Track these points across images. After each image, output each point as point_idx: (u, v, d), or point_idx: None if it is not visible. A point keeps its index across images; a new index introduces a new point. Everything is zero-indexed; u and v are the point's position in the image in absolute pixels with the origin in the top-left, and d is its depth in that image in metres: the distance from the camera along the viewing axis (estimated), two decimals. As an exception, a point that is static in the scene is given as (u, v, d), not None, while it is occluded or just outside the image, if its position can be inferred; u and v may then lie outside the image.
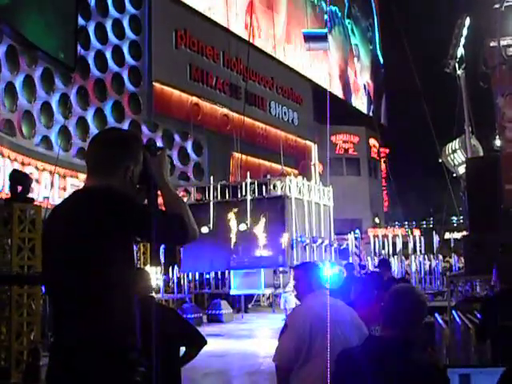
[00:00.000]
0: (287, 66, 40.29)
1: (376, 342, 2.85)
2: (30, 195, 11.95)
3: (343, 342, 3.64)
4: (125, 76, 28.51)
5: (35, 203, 12.21)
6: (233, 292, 22.46)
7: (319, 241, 24.46)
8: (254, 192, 23.12)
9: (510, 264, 6.22)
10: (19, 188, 11.41)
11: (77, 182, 23.91)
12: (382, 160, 52.72)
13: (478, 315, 7.09)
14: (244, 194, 23.16)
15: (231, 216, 23.08)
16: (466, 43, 13.73)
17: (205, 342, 4.56)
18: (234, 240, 22.84)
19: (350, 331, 3.97)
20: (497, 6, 10.51)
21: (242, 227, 22.57)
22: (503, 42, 10.18)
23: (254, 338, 16.26)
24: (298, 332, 4.06)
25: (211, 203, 23.51)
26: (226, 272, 22.94)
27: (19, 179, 11.71)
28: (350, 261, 24.69)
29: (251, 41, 33.50)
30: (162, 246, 22.50)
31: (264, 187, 23.25)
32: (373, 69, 53.12)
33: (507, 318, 5.65)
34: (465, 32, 13.76)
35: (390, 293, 2.93)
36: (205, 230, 22.83)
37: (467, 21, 13.36)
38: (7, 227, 11.18)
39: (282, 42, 39.73)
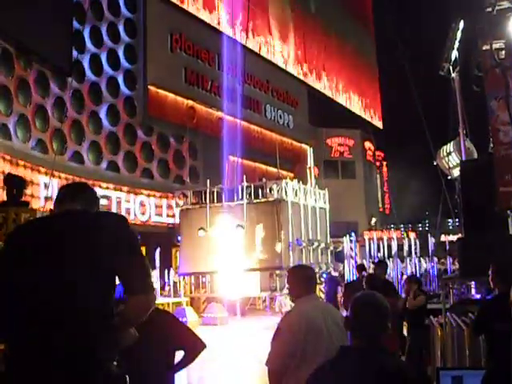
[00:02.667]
0: (283, 68, 40.36)
1: (346, 352, 2.88)
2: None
3: (337, 346, 3.64)
4: (120, 80, 28.52)
5: (30, 207, 12.23)
6: (229, 295, 22.45)
7: (315, 244, 24.47)
8: (250, 195, 23.13)
9: (506, 264, 6.22)
10: (14, 192, 11.43)
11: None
12: (384, 163, 52.85)
13: (473, 318, 7.10)
14: (240, 197, 23.17)
15: (227, 220, 23.07)
16: (460, 46, 13.78)
17: (204, 346, 4.52)
18: (230, 243, 22.82)
19: (342, 336, 3.96)
20: (489, 9, 10.56)
21: (239, 231, 22.57)
22: (495, 46, 10.20)
23: (250, 342, 16.25)
24: (290, 336, 4.06)
25: (207, 207, 23.52)
26: (222, 275, 22.92)
27: (14, 183, 11.73)
28: (345, 264, 24.77)
29: (246, 44, 33.61)
30: (158, 251, 22.58)
31: (260, 191, 23.26)
32: (368, 73, 53.20)
33: (503, 321, 5.66)
34: (459, 35, 13.82)
35: (353, 302, 2.95)
36: (201, 233, 22.85)
37: (461, 24, 13.42)
38: (1, 231, 11.18)
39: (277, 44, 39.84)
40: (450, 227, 46.53)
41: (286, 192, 23.15)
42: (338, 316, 4.32)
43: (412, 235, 37.70)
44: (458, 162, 15.18)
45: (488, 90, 10.38)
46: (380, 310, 2.85)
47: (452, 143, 16.86)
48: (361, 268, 14.34)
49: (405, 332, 9.78)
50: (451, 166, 17.17)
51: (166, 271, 22.62)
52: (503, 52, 10.33)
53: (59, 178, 23.27)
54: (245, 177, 23.69)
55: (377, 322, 2.81)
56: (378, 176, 52.87)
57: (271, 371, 4.12)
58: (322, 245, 25.14)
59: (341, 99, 47.92)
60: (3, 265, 2.77)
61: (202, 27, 32.63)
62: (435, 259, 25.77)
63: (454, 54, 14.15)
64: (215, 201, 23.63)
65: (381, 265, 11.03)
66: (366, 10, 53.84)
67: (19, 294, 2.65)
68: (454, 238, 30.07)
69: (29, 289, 2.64)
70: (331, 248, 26.67)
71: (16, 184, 11.65)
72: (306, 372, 3.05)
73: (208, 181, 24.21)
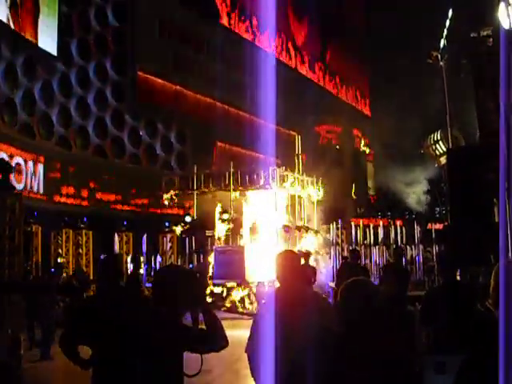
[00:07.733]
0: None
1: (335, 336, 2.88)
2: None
3: (312, 330, 3.61)
4: (108, 65, 28.29)
5: (15, 191, 12.15)
6: (215, 281, 22.42)
7: (304, 230, 24.49)
8: (238, 182, 23.06)
9: (448, 255, 6.25)
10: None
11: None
12: (372, 151, 52.87)
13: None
14: (228, 183, 23.09)
15: (215, 205, 23.03)
16: (449, 35, 13.80)
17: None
18: (217, 229, 22.78)
19: (314, 326, 3.91)
20: (478, -3, 10.63)
21: (226, 217, 22.53)
22: (484, 33, 10.23)
23: (236, 328, 16.29)
24: (260, 323, 4.09)
25: (195, 193, 23.45)
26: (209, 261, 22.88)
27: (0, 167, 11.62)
28: (332, 251, 24.82)
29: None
30: (145, 236, 22.56)
31: (248, 177, 23.19)
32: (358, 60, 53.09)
33: (446, 312, 5.76)
34: (447, 24, 13.84)
35: (342, 289, 2.95)
36: (188, 219, 22.80)
37: (450, 13, 13.44)
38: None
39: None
40: (437, 215, 46.64)
41: (274, 178, 23.09)
42: (318, 305, 4.27)
43: (398, 223, 37.74)
44: (445, 150, 15.25)
45: (475, 78, 10.42)
46: (361, 296, 2.84)
47: (439, 131, 16.94)
48: (344, 258, 15.49)
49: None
50: (438, 154, 17.26)
51: (153, 257, 22.68)
52: (491, 39, 10.36)
53: (45, 162, 23.16)
54: (232, 163, 23.58)
55: (359, 308, 2.80)
56: (365, 163, 52.90)
57: (248, 357, 4.17)
58: (312, 231, 25.16)
59: (330, 87, 47.84)
60: None
61: (190, 13, 32.36)
62: (421, 247, 25.83)
63: (443, 42, 14.17)
64: (202, 187, 23.52)
65: (354, 253, 12.11)
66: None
67: None
68: (440, 226, 30.17)
69: None
70: (320, 234, 26.68)
71: (1, 168, 11.54)
72: (283, 358, 3.05)
73: (196, 167, 24.10)
